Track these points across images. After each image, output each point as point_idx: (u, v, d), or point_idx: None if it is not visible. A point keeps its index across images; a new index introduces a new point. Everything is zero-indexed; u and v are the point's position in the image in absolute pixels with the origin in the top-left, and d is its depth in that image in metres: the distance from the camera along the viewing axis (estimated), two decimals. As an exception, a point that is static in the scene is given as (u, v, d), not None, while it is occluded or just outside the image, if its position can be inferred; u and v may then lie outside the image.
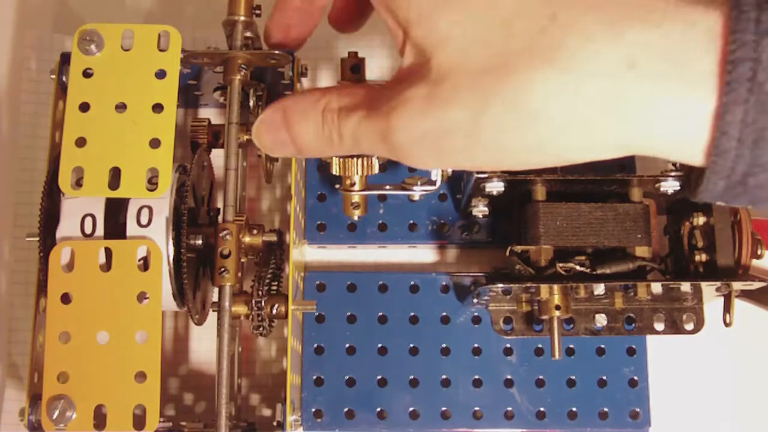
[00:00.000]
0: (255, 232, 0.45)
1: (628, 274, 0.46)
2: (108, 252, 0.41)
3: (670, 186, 0.46)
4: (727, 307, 0.48)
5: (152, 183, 0.42)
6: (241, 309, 0.45)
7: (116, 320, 0.40)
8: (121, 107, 0.42)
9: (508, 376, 0.51)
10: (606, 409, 0.51)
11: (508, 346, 0.52)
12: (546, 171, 0.48)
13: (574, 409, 0.51)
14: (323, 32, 0.57)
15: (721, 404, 0.53)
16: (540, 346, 0.52)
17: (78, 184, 0.41)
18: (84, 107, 0.42)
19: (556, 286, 0.46)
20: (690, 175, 0.32)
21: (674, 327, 0.51)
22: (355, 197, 0.46)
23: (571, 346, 0.51)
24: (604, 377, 0.51)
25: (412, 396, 0.51)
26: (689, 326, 0.51)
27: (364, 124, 0.33)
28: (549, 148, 0.30)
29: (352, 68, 0.45)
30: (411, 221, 0.53)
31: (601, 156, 0.30)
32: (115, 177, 0.41)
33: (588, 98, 0.29)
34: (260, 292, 0.45)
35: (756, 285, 0.45)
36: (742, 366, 0.53)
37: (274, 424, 0.45)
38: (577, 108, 0.29)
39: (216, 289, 0.44)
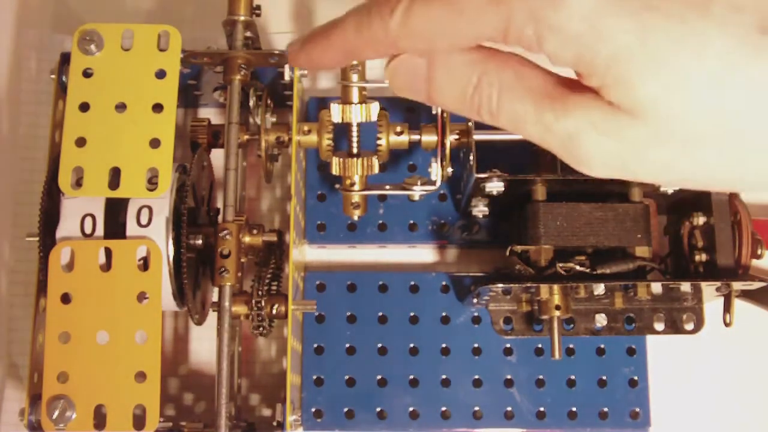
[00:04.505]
0: (255, 232, 0.45)
1: (628, 274, 0.46)
2: (108, 252, 0.41)
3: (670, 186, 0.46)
4: (727, 307, 0.48)
5: (152, 183, 0.42)
6: (241, 309, 0.45)
7: (116, 320, 0.40)
8: (121, 107, 0.42)
9: (508, 376, 0.51)
10: (606, 409, 0.51)
11: (508, 346, 0.51)
12: (546, 171, 0.48)
13: (574, 409, 0.51)
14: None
15: (721, 404, 0.53)
16: (540, 346, 0.51)
17: (78, 184, 0.41)
18: (84, 107, 0.42)
19: (556, 286, 0.46)
20: None
21: (674, 327, 0.51)
22: (355, 197, 0.46)
23: (571, 346, 0.51)
24: (604, 377, 0.51)
25: (412, 396, 0.51)
26: (689, 326, 0.51)
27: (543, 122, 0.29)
28: None
29: (352, 69, 0.45)
30: (411, 221, 0.53)
31: None
32: (115, 177, 0.41)
33: None
34: (260, 292, 0.45)
35: (756, 285, 0.45)
36: (742, 366, 0.53)
37: (274, 424, 0.45)
38: None
39: (216, 289, 0.44)
